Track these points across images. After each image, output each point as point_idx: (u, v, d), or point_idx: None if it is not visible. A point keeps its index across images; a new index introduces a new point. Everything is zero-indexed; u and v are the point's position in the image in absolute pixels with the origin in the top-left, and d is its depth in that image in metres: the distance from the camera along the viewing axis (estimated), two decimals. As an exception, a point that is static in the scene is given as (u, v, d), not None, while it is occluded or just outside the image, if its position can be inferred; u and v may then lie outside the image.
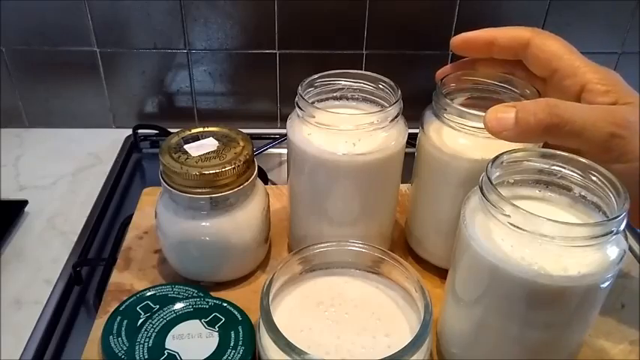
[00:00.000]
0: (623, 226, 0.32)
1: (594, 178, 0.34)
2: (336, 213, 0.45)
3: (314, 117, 0.41)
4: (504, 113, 0.36)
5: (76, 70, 0.71)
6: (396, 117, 0.42)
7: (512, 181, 0.37)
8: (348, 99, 0.46)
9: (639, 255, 0.55)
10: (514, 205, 0.32)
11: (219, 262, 0.45)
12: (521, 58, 0.43)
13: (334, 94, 0.46)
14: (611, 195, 0.33)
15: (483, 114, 0.41)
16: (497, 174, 0.36)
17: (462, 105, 0.43)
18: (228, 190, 0.42)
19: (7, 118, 0.74)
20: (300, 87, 0.43)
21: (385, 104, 0.44)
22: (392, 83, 0.44)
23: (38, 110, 0.74)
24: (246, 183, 0.43)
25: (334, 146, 0.41)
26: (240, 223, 0.44)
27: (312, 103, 0.43)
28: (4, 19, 0.67)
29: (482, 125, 0.40)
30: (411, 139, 0.45)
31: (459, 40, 0.44)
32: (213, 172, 0.41)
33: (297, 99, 0.42)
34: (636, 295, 0.47)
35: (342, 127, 0.41)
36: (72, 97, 0.74)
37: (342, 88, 0.46)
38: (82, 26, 0.68)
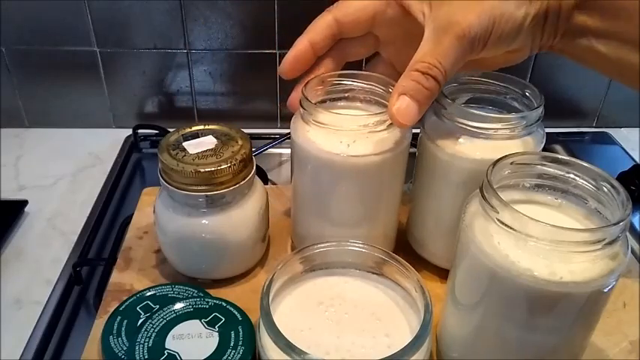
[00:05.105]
0: (617, 236, 0.31)
1: (605, 190, 0.34)
2: (338, 214, 0.45)
3: (316, 117, 0.41)
4: (401, 104, 0.37)
5: (76, 70, 0.71)
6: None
7: (528, 185, 0.37)
8: (351, 99, 0.46)
9: (639, 255, 0.55)
10: (507, 204, 0.32)
11: (216, 260, 0.46)
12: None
13: (345, 95, 0.46)
14: (617, 207, 0.33)
15: (485, 114, 0.41)
16: (507, 172, 0.35)
17: (464, 105, 0.43)
18: (225, 189, 0.42)
19: (7, 118, 0.74)
20: (304, 87, 0.42)
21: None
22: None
23: (38, 110, 0.74)
24: (243, 182, 0.43)
25: (336, 147, 0.41)
26: (236, 221, 0.44)
27: (325, 102, 0.43)
28: (4, 19, 0.67)
29: (483, 125, 0.41)
30: (412, 139, 0.45)
31: (287, 65, 0.43)
32: (210, 169, 0.41)
33: (300, 99, 0.42)
34: (637, 295, 0.47)
35: (344, 128, 0.41)
36: (72, 97, 0.74)
37: (352, 89, 0.45)
38: (82, 26, 0.68)
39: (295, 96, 0.45)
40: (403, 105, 0.36)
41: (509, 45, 0.38)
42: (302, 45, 0.42)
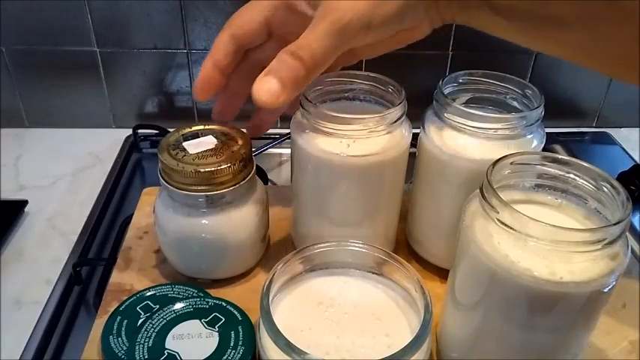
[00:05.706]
0: (617, 236, 0.31)
1: (605, 190, 0.34)
2: (338, 214, 0.45)
3: (316, 117, 0.41)
4: (266, 84, 0.36)
5: (76, 70, 0.71)
6: (398, 119, 0.42)
7: (528, 185, 0.37)
8: (351, 99, 0.46)
9: (639, 255, 0.55)
10: (507, 204, 0.32)
11: (216, 260, 0.46)
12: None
13: (345, 95, 0.46)
14: (617, 207, 0.33)
15: (484, 114, 0.41)
16: (507, 172, 0.35)
17: (464, 105, 0.43)
18: (225, 189, 0.42)
19: (7, 118, 0.74)
20: None
21: (391, 106, 0.44)
22: (398, 86, 0.43)
23: (38, 110, 0.74)
24: (243, 182, 0.43)
25: (336, 147, 0.41)
26: (236, 221, 0.44)
27: (325, 102, 0.43)
28: (4, 19, 0.67)
29: (483, 125, 0.41)
30: (412, 139, 0.45)
31: (198, 90, 0.43)
32: (210, 169, 0.41)
33: (300, 98, 0.42)
34: (636, 295, 0.47)
35: (344, 128, 0.41)
36: (72, 97, 0.74)
37: (352, 89, 0.45)
38: (82, 26, 0.68)
39: (218, 108, 0.46)
40: (266, 83, 0.36)
41: (400, 25, 0.38)
42: (207, 68, 0.42)
